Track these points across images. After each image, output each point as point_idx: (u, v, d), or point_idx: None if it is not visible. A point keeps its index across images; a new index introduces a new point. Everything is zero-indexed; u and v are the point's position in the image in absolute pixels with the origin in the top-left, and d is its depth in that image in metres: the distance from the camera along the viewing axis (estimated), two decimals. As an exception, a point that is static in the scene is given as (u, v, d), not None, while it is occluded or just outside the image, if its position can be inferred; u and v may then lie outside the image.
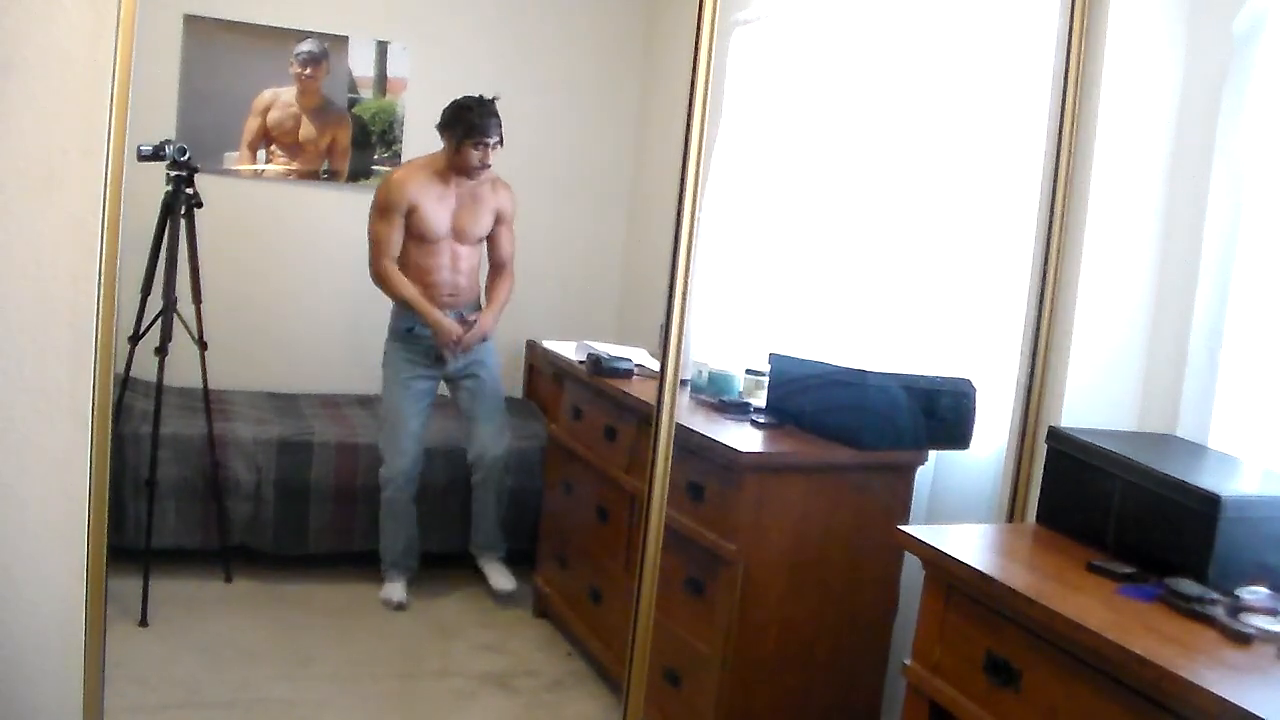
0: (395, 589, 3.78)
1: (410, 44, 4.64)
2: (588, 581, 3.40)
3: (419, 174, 3.71)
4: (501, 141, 3.67)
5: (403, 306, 3.74)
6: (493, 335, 3.87)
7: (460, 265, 3.78)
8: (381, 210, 3.69)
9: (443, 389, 3.90)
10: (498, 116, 3.64)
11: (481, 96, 3.65)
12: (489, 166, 3.67)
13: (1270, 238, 2.22)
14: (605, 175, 4.95)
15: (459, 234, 3.75)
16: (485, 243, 3.87)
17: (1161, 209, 2.44)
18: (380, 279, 3.72)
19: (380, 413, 3.86)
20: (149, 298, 3.47)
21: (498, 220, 3.85)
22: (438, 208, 3.70)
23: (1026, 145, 2.65)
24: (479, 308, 3.87)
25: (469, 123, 3.58)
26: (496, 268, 3.92)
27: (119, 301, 2.06)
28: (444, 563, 3.97)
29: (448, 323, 3.70)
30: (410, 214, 3.67)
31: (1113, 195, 2.43)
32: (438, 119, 3.67)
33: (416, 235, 3.70)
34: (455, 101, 3.66)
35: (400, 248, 3.71)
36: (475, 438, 3.86)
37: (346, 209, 4.65)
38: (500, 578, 3.86)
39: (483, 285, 3.93)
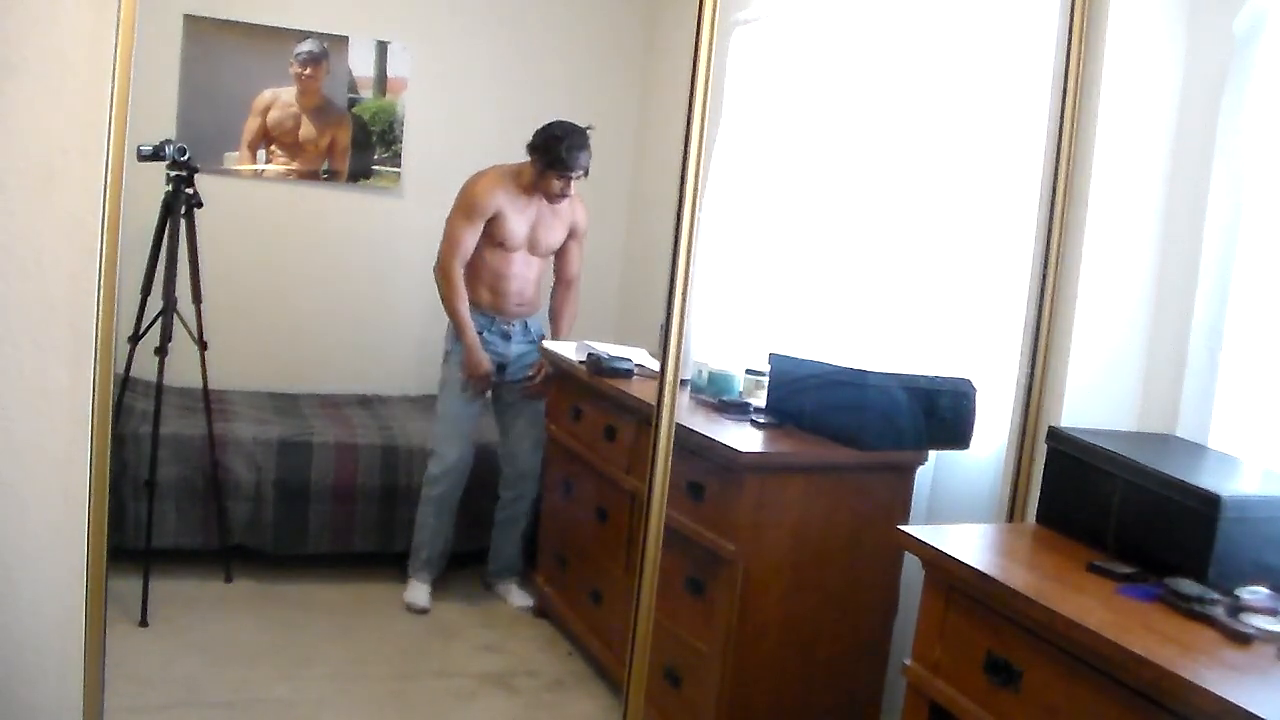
0: (421, 593, 3.77)
1: (410, 44, 4.64)
2: (588, 581, 3.40)
3: (507, 182, 3.69)
4: (586, 173, 3.65)
5: (474, 313, 3.74)
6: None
7: (531, 275, 3.81)
8: (466, 211, 3.68)
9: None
10: (589, 149, 3.61)
11: (575, 125, 3.60)
12: (569, 196, 3.68)
13: (1270, 238, 2.22)
14: (605, 175, 4.94)
15: (534, 245, 3.77)
16: (554, 256, 3.88)
17: (1161, 209, 2.44)
18: (443, 277, 3.71)
19: (436, 410, 3.85)
20: (149, 298, 3.47)
21: (570, 235, 3.86)
22: (519, 218, 3.71)
23: (1026, 145, 2.65)
24: (540, 319, 3.91)
25: (556, 155, 3.56)
26: (564, 283, 3.94)
27: (119, 301, 2.06)
28: (447, 562, 3.97)
29: (482, 357, 3.71)
30: (493, 221, 3.68)
31: (1113, 195, 2.43)
32: (530, 138, 3.61)
33: (496, 242, 3.71)
34: (549, 128, 3.60)
35: (473, 251, 3.72)
36: (513, 454, 3.88)
37: (346, 209, 4.66)
38: (519, 597, 3.88)
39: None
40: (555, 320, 3.93)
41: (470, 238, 3.68)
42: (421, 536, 3.81)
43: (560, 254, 3.89)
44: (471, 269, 3.74)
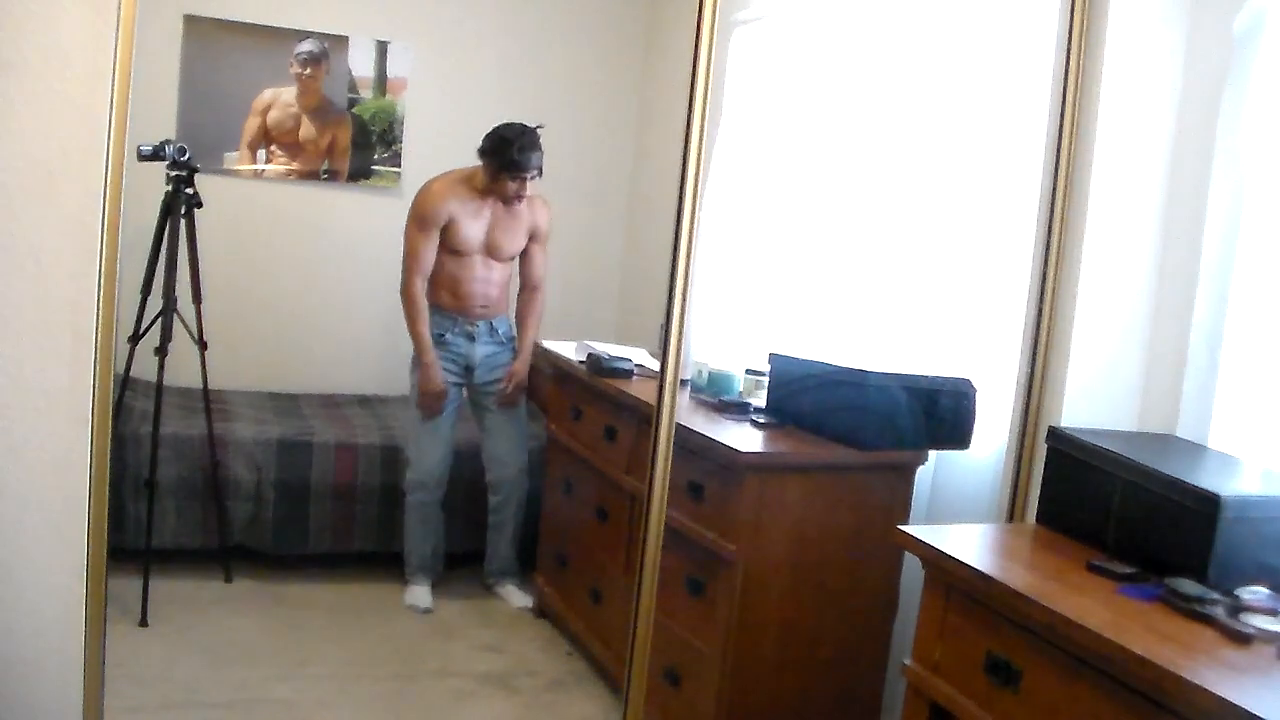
0: (422, 594, 3.78)
1: (410, 44, 4.64)
2: (588, 581, 3.40)
3: (457, 187, 3.69)
4: (540, 172, 3.64)
5: (438, 315, 3.75)
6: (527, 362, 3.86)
7: (493, 278, 3.79)
8: (419, 222, 3.68)
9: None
10: (540, 149, 3.59)
11: (525, 125, 3.59)
12: (524, 197, 3.66)
13: (1270, 238, 2.22)
14: (605, 175, 4.95)
15: (492, 249, 3.75)
16: (518, 259, 3.87)
17: (1161, 209, 2.44)
18: (405, 297, 3.71)
19: (409, 417, 3.85)
20: (149, 298, 3.47)
21: (532, 238, 3.83)
22: (473, 223, 3.70)
23: (1026, 145, 2.65)
24: (509, 320, 3.89)
25: (508, 157, 3.55)
26: (529, 288, 3.91)
27: (119, 301, 2.05)
28: (444, 562, 3.97)
29: (437, 374, 3.70)
30: (446, 228, 3.67)
31: (1113, 195, 2.43)
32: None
33: (450, 249, 3.70)
34: (498, 131, 3.59)
35: (434, 261, 3.71)
36: (495, 457, 3.87)
37: (346, 209, 4.66)
38: (518, 598, 3.89)
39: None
40: (520, 325, 3.90)
41: (427, 249, 3.67)
42: (410, 543, 3.82)
43: (523, 258, 3.86)
44: (433, 274, 3.73)
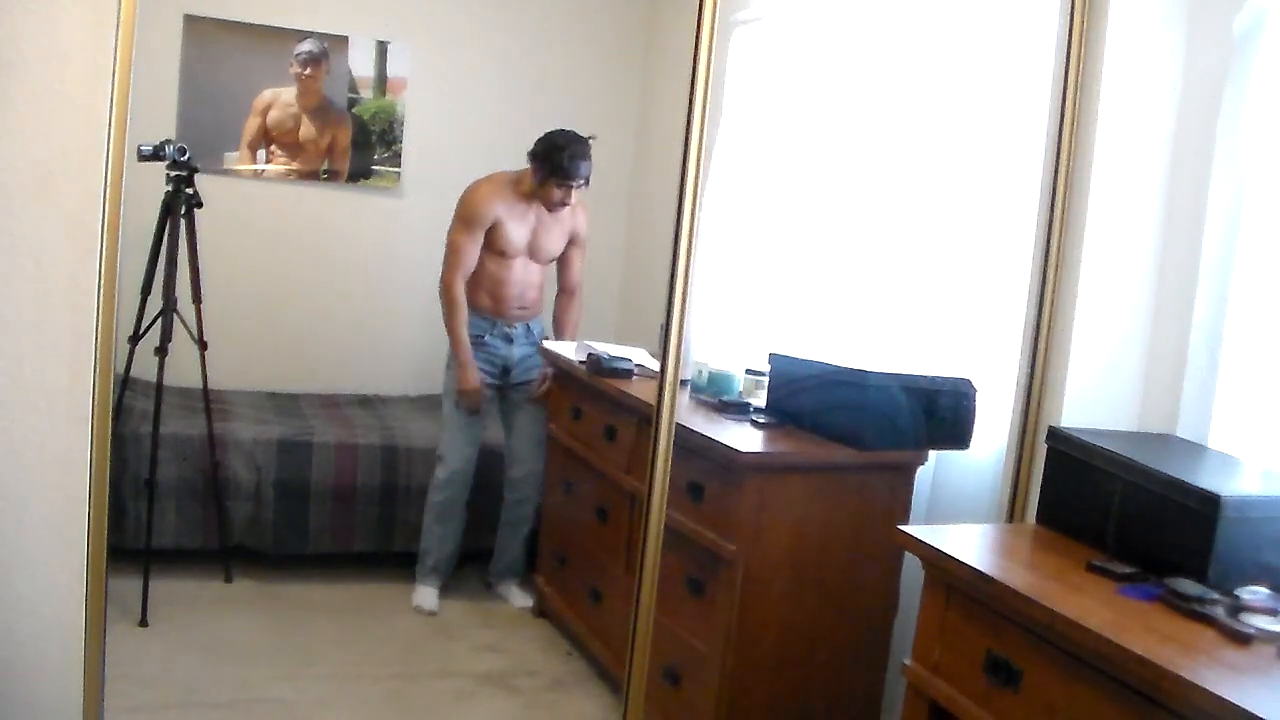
0: (430, 596, 3.78)
1: (410, 44, 4.64)
2: (588, 581, 3.40)
3: (505, 190, 3.69)
4: (588, 182, 3.65)
5: (476, 317, 3.74)
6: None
7: (531, 280, 3.82)
8: (465, 222, 3.68)
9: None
10: (589, 159, 3.61)
11: (577, 134, 3.60)
12: (569, 204, 3.68)
13: (1270, 238, 2.22)
14: (605, 175, 4.93)
15: (534, 252, 3.78)
16: (555, 263, 3.88)
17: (1161, 209, 2.44)
18: (445, 293, 3.71)
19: (443, 415, 3.84)
20: (149, 298, 3.47)
21: (571, 242, 3.86)
22: (518, 225, 3.71)
23: (1026, 145, 2.65)
24: (543, 323, 3.92)
25: (558, 164, 3.56)
26: (567, 292, 3.94)
27: (119, 301, 2.05)
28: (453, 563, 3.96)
29: (475, 376, 3.71)
30: (492, 229, 3.68)
31: (1113, 195, 2.43)
32: (531, 147, 3.62)
33: (496, 250, 3.71)
34: (550, 136, 3.60)
35: (476, 261, 3.72)
36: (518, 454, 3.88)
37: (346, 209, 4.66)
38: (519, 598, 3.90)
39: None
40: (559, 329, 3.93)
41: (472, 249, 3.68)
42: (428, 543, 3.81)
43: (562, 262, 3.89)
44: (473, 275, 3.74)
